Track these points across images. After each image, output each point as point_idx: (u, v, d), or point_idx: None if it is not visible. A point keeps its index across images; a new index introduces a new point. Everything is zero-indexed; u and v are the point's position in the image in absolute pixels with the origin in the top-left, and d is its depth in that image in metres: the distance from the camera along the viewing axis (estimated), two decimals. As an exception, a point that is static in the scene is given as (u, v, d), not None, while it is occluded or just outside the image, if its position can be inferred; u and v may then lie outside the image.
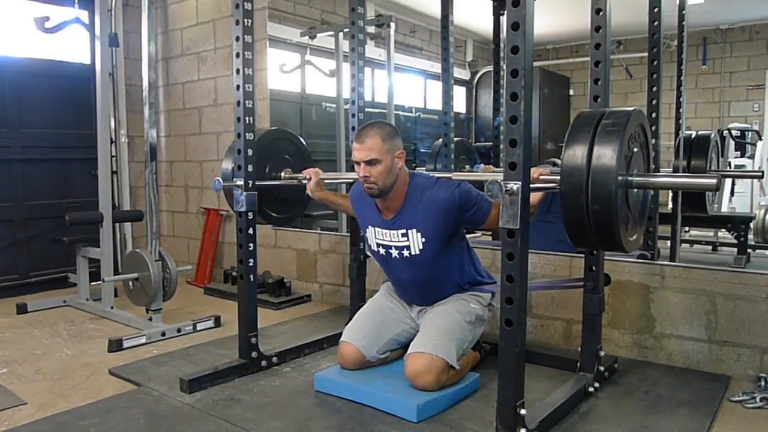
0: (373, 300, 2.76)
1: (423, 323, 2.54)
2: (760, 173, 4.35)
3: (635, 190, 2.04)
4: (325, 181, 2.89)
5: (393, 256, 2.54)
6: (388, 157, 2.38)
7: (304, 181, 2.88)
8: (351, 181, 2.86)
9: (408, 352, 2.40)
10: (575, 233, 1.96)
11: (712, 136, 3.50)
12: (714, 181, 1.90)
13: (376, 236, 2.59)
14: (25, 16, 4.33)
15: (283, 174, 3.06)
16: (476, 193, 2.44)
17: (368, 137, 2.38)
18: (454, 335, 2.42)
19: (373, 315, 2.65)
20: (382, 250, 2.58)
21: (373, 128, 2.42)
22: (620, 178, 1.87)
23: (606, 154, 1.84)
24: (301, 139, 3.30)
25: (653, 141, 2.68)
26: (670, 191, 3.24)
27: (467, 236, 2.67)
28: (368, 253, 2.94)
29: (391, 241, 2.53)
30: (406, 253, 2.50)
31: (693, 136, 3.45)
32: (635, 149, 2.00)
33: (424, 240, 2.45)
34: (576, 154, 1.89)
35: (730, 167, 4.79)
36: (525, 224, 1.77)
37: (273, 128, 2.80)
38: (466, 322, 2.49)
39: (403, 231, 2.48)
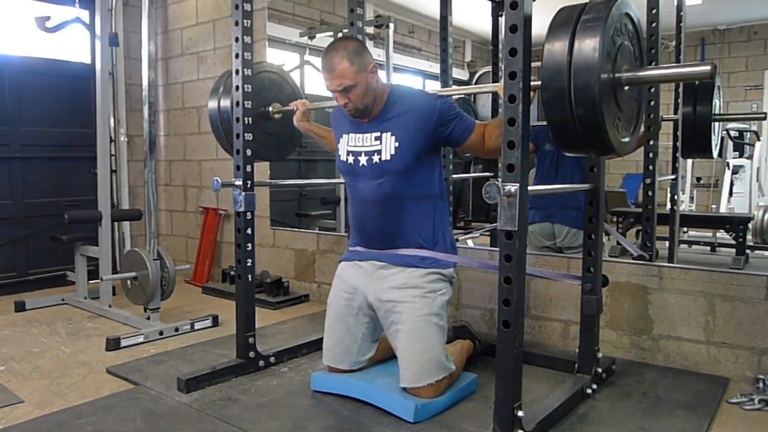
0: (330, 302, 2.59)
1: (400, 342, 2.34)
2: (762, 114, 4.26)
3: (625, 87, 1.92)
4: (313, 110, 2.87)
5: (361, 164, 2.40)
6: (362, 77, 2.29)
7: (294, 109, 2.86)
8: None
9: (403, 383, 2.28)
10: (563, 139, 1.88)
11: (717, 82, 3.44)
12: (708, 67, 1.80)
13: (348, 143, 2.47)
14: (26, 16, 4.33)
15: (271, 108, 3.02)
16: (460, 109, 2.36)
17: (336, 63, 2.27)
18: (438, 346, 2.32)
19: (332, 328, 2.53)
20: (351, 159, 2.44)
21: (338, 51, 2.29)
22: (605, 75, 1.77)
23: (587, 51, 1.74)
24: (289, 74, 3.30)
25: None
26: (669, 192, 3.23)
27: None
28: (338, 174, 2.76)
29: (363, 146, 2.41)
30: (376, 158, 2.36)
31: (697, 83, 3.38)
32: (624, 42, 1.89)
33: (397, 144, 2.33)
34: (555, 52, 1.79)
35: (729, 168, 4.79)
36: (523, 226, 1.77)
37: (258, 62, 2.77)
38: (440, 319, 2.35)
39: (377, 134, 2.37)
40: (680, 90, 3.20)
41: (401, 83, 2.51)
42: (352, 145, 2.45)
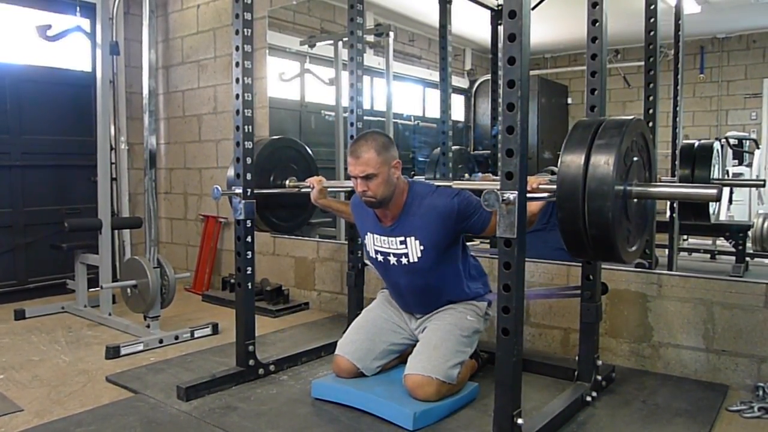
0: (368, 310, 2.75)
1: (421, 339, 2.51)
2: (761, 182, 4.32)
3: (635, 200, 2.02)
4: (328, 189, 2.92)
5: (391, 263, 2.53)
6: (385, 170, 2.37)
7: (306, 190, 2.91)
8: (352, 189, 2.87)
9: (406, 371, 2.37)
10: (572, 245, 1.96)
11: (715, 144, 3.47)
12: (714, 191, 1.89)
13: (374, 243, 2.58)
14: (28, 24, 4.35)
15: (287, 182, 3.08)
16: (476, 201, 2.42)
17: (363, 151, 2.36)
18: (452, 353, 2.40)
19: (367, 326, 2.64)
20: (380, 257, 2.58)
21: (367, 141, 2.39)
22: (618, 188, 1.86)
23: (602, 164, 1.83)
24: (307, 148, 3.33)
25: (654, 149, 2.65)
26: (668, 202, 3.23)
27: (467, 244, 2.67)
28: (367, 261, 2.94)
29: (389, 248, 2.52)
30: (404, 260, 2.49)
31: (695, 145, 3.40)
32: (635, 158, 1.99)
33: (422, 248, 2.44)
34: (572, 164, 1.88)
35: (728, 175, 4.79)
36: (522, 234, 1.78)
37: (278, 137, 2.82)
38: (464, 338, 2.48)
39: (402, 238, 2.47)
40: (677, 144, 3.21)
41: (420, 181, 2.66)
42: (378, 245, 2.57)
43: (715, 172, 3.42)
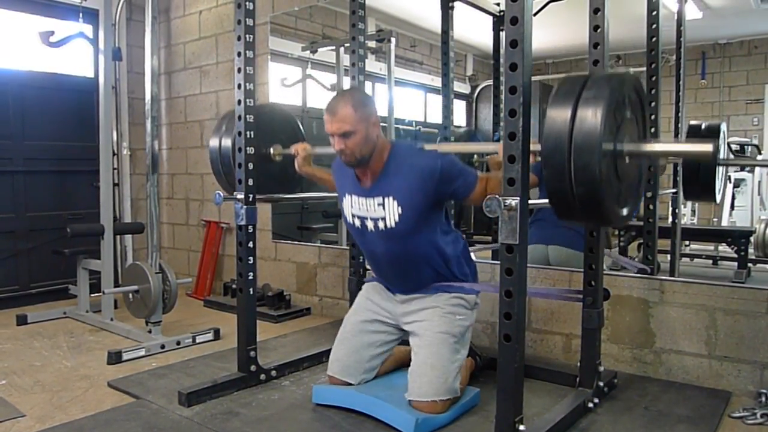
0: (348, 315, 2.66)
1: (415, 355, 2.39)
2: None
3: (626, 159, 1.89)
4: (317, 154, 2.86)
5: (369, 228, 2.43)
6: (363, 127, 2.29)
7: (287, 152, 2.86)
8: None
9: (410, 396, 2.30)
10: (559, 205, 1.85)
11: (722, 125, 3.43)
12: (710, 146, 1.79)
13: (352, 206, 2.49)
14: (30, 30, 4.37)
15: (272, 150, 2.98)
16: (461, 165, 2.34)
17: (339, 108, 2.28)
18: (451, 368, 2.33)
19: (348, 338, 2.57)
20: (357, 222, 2.48)
21: (343, 98, 2.33)
22: (607, 144, 1.76)
23: (590, 117, 1.72)
24: (292, 115, 3.27)
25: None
26: (671, 205, 3.23)
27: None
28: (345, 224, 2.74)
29: (367, 211, 2.42)
30: (381, 225, 2.38)
31: (703, 126, 3.34)
32: (628, 114, 1.88)
33: (400, 210, 2.33)
34: (558, 118, 1.78)
35: (731, 181, 4.79)
36: (524, 240, 1.78)
37: (261, 103, 2.72)
38: (457, 344, 2.39)
39: (380, 199, 2.37)
40: (680, 127, 3.19)
41: (403, 142, 2.52)
42: (356, 209, 2.47)
43: (722, 153, 3.38)
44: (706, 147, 1.83)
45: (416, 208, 2.33)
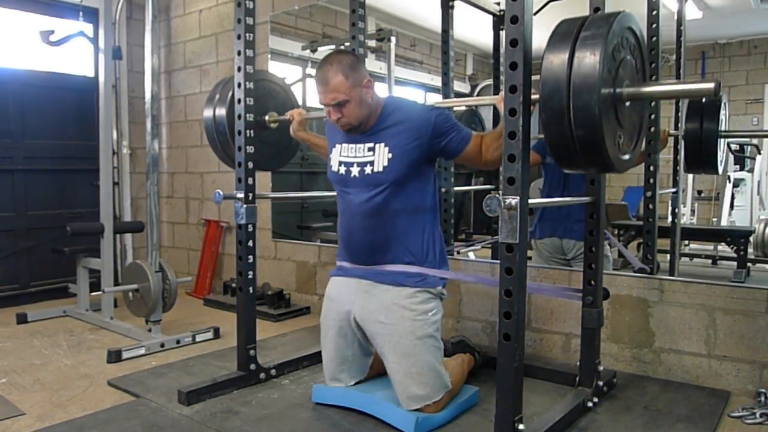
0: (321, 322, 2.56)
1: (391, 366, 2.29)
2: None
3: (626, 103, 1.87)
4: (313, 118, 2.84)
5: (352, 175, 2.35)
6: (357, 92, 2.25)
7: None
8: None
9: (404, 406, 2.25)
10: (559, 150, 1.82)
11: (723, 98, 3.42)
12: (711, 84, 1.77)
13: (340, 153, 2.42)
14: (30, 29, 4.37)
15: (267, 117, 2.95)
16: (455, 120, 2.31)
17: (330, 77, 2.23)
18: (432, 367, 2.27)
19: (326, 347, 2.51)
20: (342, 169, 2.39)
21: (332, 65, 2.25)
22: (605, 92, 1.73)
23: (588, 57, 1.70)
24: (285, 81, 3.27)
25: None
26: (670, 205, 3.23)
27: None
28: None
29: (355, 156, 2.35)
30: (368, 169, 2.31)
31: (704, 99, 3.32)
32: (626, 56, 1.85)
33: (390, 156, 2.27)
34: (555, 59, 1.75)
35: (730, 181, 4.79)
36: (524, 239, 1.78)
37: (255, 70, 2.74)
38: (435, 340, 2.31)
39: (371, 145, 2.32)
40: (680, 105, 3.20)
41: (399, 96, 2.47)
42: (344, 155, 2.40)
43: (722, 126, 3.38)
44: (708, 85, 1.79)
45: (406, 158, 2.28)
